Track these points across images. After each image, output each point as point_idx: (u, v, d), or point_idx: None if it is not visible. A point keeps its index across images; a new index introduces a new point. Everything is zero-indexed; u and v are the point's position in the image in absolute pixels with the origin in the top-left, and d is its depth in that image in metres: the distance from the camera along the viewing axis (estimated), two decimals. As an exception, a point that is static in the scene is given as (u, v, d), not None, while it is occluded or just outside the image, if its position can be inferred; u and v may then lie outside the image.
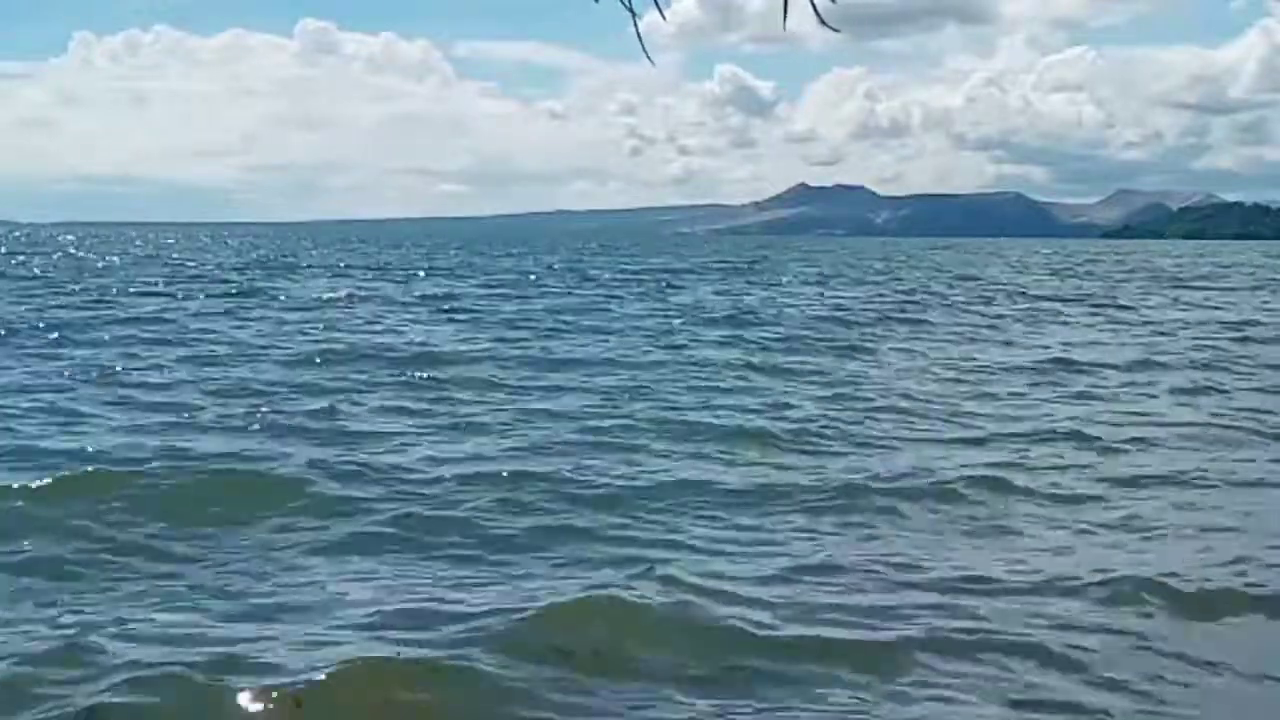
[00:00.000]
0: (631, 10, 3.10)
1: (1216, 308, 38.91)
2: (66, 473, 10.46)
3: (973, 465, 11.94)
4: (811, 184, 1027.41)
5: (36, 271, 50.34)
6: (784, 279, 55.46)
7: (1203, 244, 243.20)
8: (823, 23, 2.89)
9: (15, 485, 9.96)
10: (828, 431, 13.86)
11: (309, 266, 61.46)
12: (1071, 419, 15.07)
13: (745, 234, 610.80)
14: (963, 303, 39.33)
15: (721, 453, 12.59)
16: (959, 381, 18.96)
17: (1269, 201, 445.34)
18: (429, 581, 8.02)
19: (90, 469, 10.74)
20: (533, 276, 53.63)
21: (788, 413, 15.22)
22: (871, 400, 16.52)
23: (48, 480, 10.14)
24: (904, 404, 16.20)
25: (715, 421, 14.38)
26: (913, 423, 14.76)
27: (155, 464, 11.14)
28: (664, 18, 3.14)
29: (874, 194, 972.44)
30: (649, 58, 3.19)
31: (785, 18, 2.84)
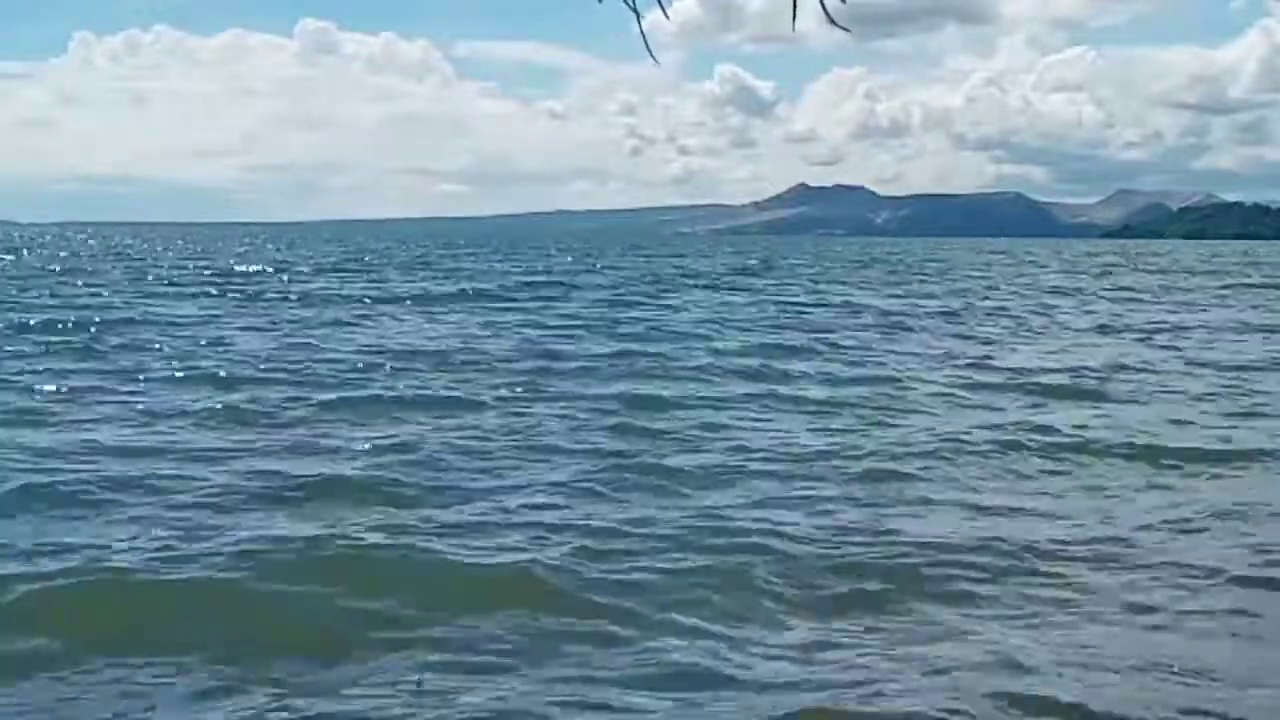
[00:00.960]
0: (635, 10, 3.06)
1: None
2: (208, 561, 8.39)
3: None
4: (811, 184, 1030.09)
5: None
6: (817, 282, 52.56)
7: (1204, 244, 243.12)
8: (833, 23, 2.84)
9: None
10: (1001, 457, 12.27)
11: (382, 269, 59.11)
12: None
13: (745, 234, 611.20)
14: (1033, 303, 38.31)
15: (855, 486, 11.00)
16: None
17: (1269, 201, 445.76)
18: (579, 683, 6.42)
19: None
20: (563, 278, 51.67)
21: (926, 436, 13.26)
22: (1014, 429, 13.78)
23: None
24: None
25: (824, 448, 12.69)
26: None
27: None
28: (667, 16, 3.10)
29: (874, 194, 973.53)
30: (653, 56, 3.15)
31: (795, 18, 2.79)
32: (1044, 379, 18.64)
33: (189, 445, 12.33)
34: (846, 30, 2.89)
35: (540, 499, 10.26)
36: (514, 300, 35.94)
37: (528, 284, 44.31)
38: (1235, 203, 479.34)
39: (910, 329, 28.32)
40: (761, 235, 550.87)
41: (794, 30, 2.90)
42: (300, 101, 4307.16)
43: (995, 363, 21.19)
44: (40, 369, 17.82)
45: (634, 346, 22.59)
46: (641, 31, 3.06)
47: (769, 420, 14.67)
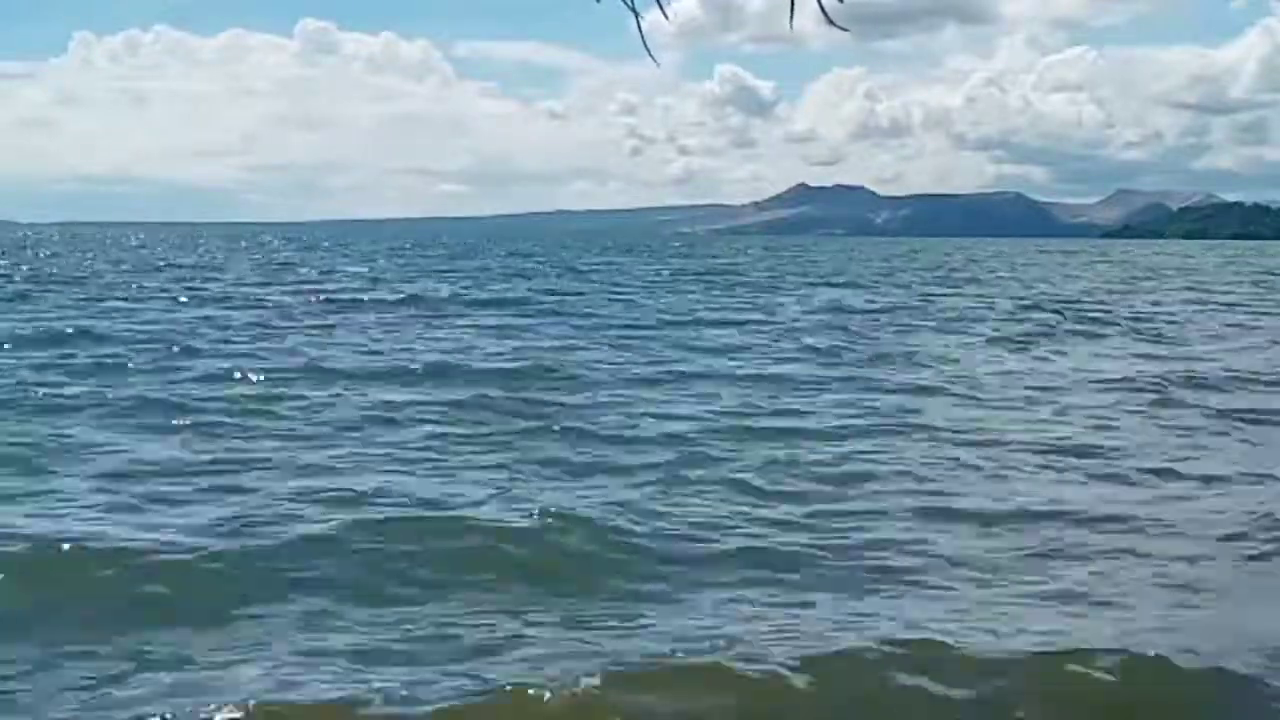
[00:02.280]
0: (634, 10, 3.06)
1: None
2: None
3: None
4: (811, 184, 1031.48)
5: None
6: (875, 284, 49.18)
7: (1211, 243, 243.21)
8: (831, 23, 2.85)
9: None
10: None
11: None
12: None
13: (745, 234, 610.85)
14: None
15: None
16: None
17: (1269, 201, 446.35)
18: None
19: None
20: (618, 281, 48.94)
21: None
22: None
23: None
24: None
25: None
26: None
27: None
28: (667, 17, 3.09)
29: (874, 194, 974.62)
30: (652, 57, 3.14)
31: (792, 17, 2.81)
32: None
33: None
34: (845, 30, 2.91)
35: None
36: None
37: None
38: (1235, 203, 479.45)
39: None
40: (762, 235, 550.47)
41: (792, 29, 2.90)
42: (300, 101, 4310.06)
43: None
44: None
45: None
46: (641, 32, 3.07)
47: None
